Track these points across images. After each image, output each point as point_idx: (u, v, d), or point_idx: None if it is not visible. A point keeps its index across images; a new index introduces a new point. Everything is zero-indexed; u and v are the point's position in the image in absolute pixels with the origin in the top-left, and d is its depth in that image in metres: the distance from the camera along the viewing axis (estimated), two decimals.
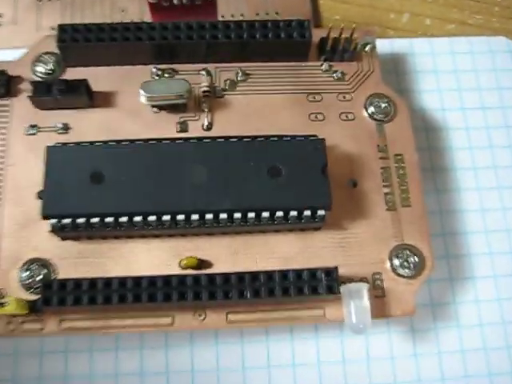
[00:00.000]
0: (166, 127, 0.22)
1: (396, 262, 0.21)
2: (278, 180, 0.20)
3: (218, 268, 0.21)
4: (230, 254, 0.21)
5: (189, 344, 0.22)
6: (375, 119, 0.23)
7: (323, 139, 0.21)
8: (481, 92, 0.26)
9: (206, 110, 0.22)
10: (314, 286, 0.20)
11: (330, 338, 0.22)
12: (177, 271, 0.21)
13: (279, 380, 0.22)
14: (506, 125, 0.26)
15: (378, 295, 0.21)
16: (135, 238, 0.21)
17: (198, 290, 0.19)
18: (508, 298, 0.23)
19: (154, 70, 0.23)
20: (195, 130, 0.22)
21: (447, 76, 0.26)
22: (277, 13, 0.26)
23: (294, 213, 0.20)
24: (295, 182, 0.20)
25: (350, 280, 0.21)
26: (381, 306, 0.21)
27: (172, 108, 0.22)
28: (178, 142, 0.21)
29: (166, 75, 0.23)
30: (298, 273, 0.20)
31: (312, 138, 0.21)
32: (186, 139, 0.21)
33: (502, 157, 0.25)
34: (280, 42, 0.22)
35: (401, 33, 0.28)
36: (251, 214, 0.20)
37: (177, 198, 0.20)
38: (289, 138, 0.21)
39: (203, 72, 0.23)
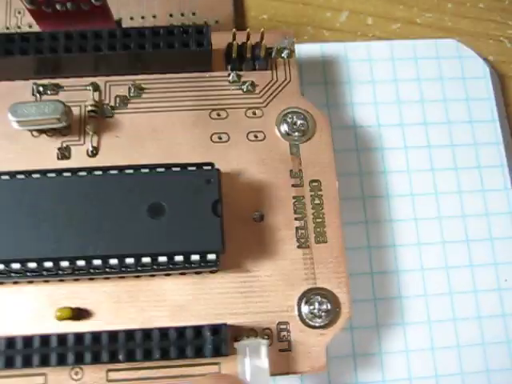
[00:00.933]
0: (45, 153, 0.19)
1: (305, 309, 0.18)
2: (160, 220, 0.17)
3: (99, 319, 0.18)
4: (113, 302, 0.18)
5: None
6: (289, 139, 0.20)
7: (217, 170, 0.18)
8: (423, 105, 0.22)
9: (91, 132, 0.19)
10: (198, 347, 0.17)
11: None
12: (53, 323, 0.18)
13: None
14: (452, 143, 0.22)
15: (284, 349, 0.18)
16: (7, 285, 0.18)
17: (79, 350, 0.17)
18: (441, 347, 0.20)
19: (34, 86, 0.20)
20: (79, 156, 0.19)
21: (386, 86, 0.23)
22: (193, 13, 0.23)
23: (179, 258, 0.17)
24: (180, 222, 0.17)
25: (252, 332, 0.18)
26: (286, 362, 0.18)
27: (53, 131, 0.19)
28: (48, 175, 0.18)
29: (49, 92, 0.20)
30: (180, 331, 0.17)
31: (206, 167, 0.18)
32: (63, 170, 0.18)
33: (444, 182, 0.22)
34: (175, 52, 0.19)
35: (338, 34, 0.24)
36: (129, 260, 0.17)
37: (44, 241, 0.17)
38: (178, 169, 0.18)
39: (90, 87, 0.20)
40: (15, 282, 0.18)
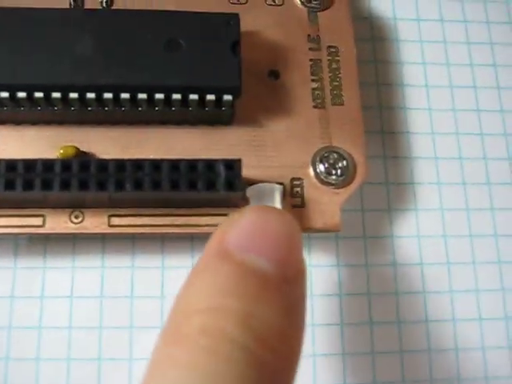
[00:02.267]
0: (56, 1, 0.19)
1: (320, 166, 0.18)
2: (176, 55, 0.17)
3: None
4: (119, 148, 0.17)
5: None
6: (307, 6, 0.19)
7: (237, 14, 0.18)
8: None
9: None
10: (210, 181, 0.16)
11: None
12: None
13: None
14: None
15: (297, 205, 0.17)
16: (5, 125, 0.17)
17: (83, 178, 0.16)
18: (451, 208, 0.20)
19: None
20: (92, 5, 0.19)
21: None
22: None
23: (194, 96, 0.17)
24: (197, 58, 0.17)
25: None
26: (299, 218, 0.17)
27: None
28: (60, 10, 0.17)
29: None
30: (192, 164, 0.16)
31: (227, 13, 0.18)
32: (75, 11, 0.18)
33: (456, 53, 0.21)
34: None
35: None
36: (142, 95, 0.17)
37: (54, 70, 0.16)
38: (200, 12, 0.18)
39: None
40: (18, 123, 0.17)
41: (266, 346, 0.12)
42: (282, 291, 0.13)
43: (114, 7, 0.19)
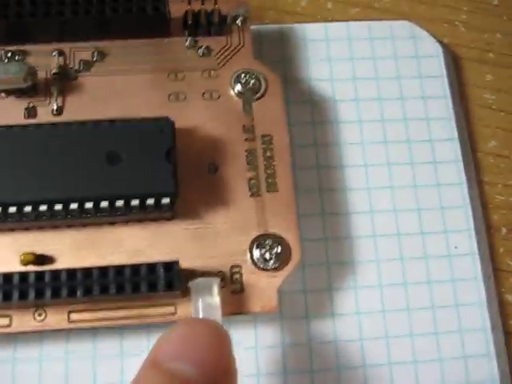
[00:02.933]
0: (12, 113, 0.20)
1: (257, 253, 0.19)
2: (117, 167, 0.19)
3: (60, 264, 0.19)
4: (74, 249, 0.19)
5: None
6: (242, 98, 0.21)
7: (170, 120, 0.19)
8: (378, 81, 0.24)
9: (56, 93, 0.21)
10: (151, 283, 0.18)
11: None
12: (18, 268, 0.19)
13: None
14: (405, 118, 0.23)
15: (236, 290, 0.19)
16: None
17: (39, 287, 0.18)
18: (388, 284, 0.21)
19: (2, 52, 0.21)
20: (45, 115, 0.20)
21: (342, 64, 0.24)
22: None
23: (135, 202, 0.19)
24: (136, 168, 0.19)
25: (206, 274, 0.19)
26: (238, 303, 0.19)
27: (20, 92, 0.21)
28: (9, 128, 0.19)
29: (16, 57, 0.21)
30: (135, 268, 0.18)
31: (160, 119, 0.19)
32: (28, 125, 0.19)
33: (396, 155, 0.23)
34: (133, 17, 0.21)
35: (299, 17, 0.25)
36: (88, 205, 0.18)
37: (7, 187, 0.18)
38: (136, 121, 0.19)
39: (55, 53, 0.21)
40: None
41: None
42: None
43: (63, 115, 0.21)
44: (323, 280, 0.21)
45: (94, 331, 0.20)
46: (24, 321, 0.19)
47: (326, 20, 0.25)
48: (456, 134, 0.23)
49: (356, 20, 0.25)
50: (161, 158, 0.19)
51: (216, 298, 0.18)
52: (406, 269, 0.21)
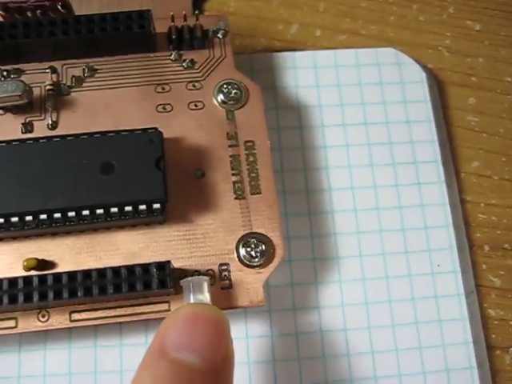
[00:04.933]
0: (10, 129, 0.22)
1: (243, 251, 0.21)
2: (110, 176, 0.20)
3: (61, 268, 0.21)
4: (74, 254, 0.21)
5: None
6: (225, 106, 0.22)
7: (159, 131, 0.21)
8: (364, 107, 0.25)
9: (50, 108, 0.22)
10: (146, 282, 0.19)
11: None
12: (21, 274, 0.21)
13: None
14: (390, 141, 0.24)
15: (225, 287, 0.21)
16: None
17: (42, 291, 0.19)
18: (372, 278, 0.23)
19: None
20: (41, 129, 0.22)
21: (329, 90, 0.25)
22: None
23: (129, 208, 0.20)
24: (128, 177, 0.20)
25: (197, 273, 0.21)
26: (228, 298, 0.21)
27: (17, 109, 0.22)
28: (7, 144, 0.21)
29: (12, 76, 0.22)
30: (130, 269, 0.20)
31: (150, 130, 0.21)
32: (26, 139, 0.21)
33: (382, 177, 0.24)
34: (121, 35, 0.22)
35: (289, 44, 0.27)
36: (85, 212, 0.20)
37: (9, 199, 0.20)
38: (127, 133, 0.21)
39: (48, 70, 0.23)
40: None
41: None
42: (210, 379, 0.17)
43: (58, 129, 0.22)
44: (309, 274, 0.23)
45: (94, 328, 0.22)
46: (29, 322, 0.20)
47: (315, 46, 0.27)
48: (439, 156, 0.24)
49: (343, 47, 0.26)
50: (151, 166, 0.20)
51: (206, 295, 0.20)
52: (388, 266, 0.23)
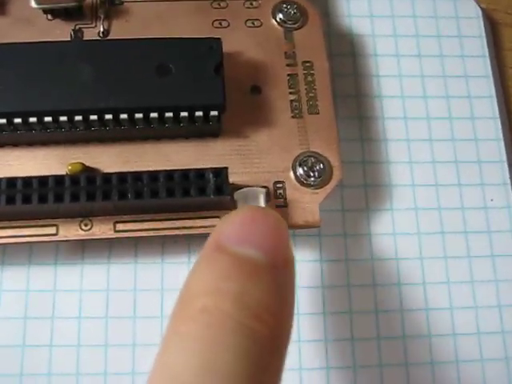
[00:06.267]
0: (59, 35, 0.21)
1: (300, 170, 0.20)
2: (167, 79, 0.19)
3: None
4: (120, 163, 0.20)
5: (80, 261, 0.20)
6: (283, 26, 0.22)
7: (219, 38, 0.20)
8: (418, 39, 0.24)
9: (102, 16, 0.21)
10: (201, 188, 0.18)
11: None
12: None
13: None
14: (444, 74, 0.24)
15: (280, 205, 0.20)
16: (20, 147, 0.20)
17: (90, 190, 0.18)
18: (424, 208, 0.22)
19: None
20: (91, 37, 0.21)
21: (384, 21, 0.24)
22: None
23: (184, 114, 0.19)
24: (185, 80, 0.19)
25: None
26: (283, 217, 0.19)
27: (67, 15, 0.21)
28: (62, 42, 0.20)
29: None
30: (185, 173, 0.18)
31: (210, 38, 0.20)
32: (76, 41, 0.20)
33: (436, 109, 0.23)
34: None
35: None
36: (138, 115, 0.19)
37: (60, 97, 0.19)
38: (186, 38, 0.20)
39: None
40: (31, 144, 0.20)
41: (259, 320, 0.15)
42: (272, 274, 0.16)
43: (110, 36, 0.21)
44: (361, 201, 0.22)
45: (135, 244, 0.20)
46: (70, 230, 0.19)
47: None
48: (494, 92, 0.24)
49: None
50: (210, 72, 0.19)
51: (263, 207, 0.19)
52: (441, 197, 0.22)
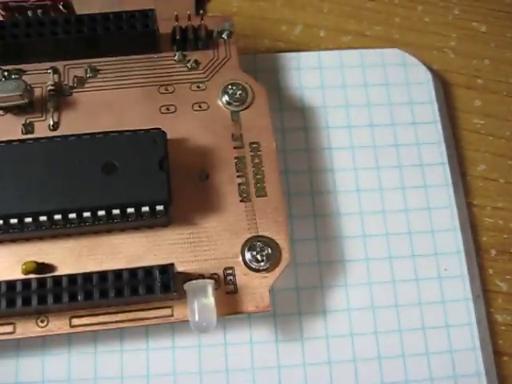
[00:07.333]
0: (11, 129, 0.21)
1: (248, 255, 0.20)
2: (112, 177, 0.20)
3: (61, 272, 0.20)
4: (74, 257, 0.20)
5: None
6: (230, 108, 0.22)
7: (162, 131, 0.20)
8: (370, 108, 0.24)
9: (52, 109, 0.22)
10: (148, 285, 0.19)
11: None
12: (20, 277, 0.20)
13: None
14: (396, 143, 0.24)
15: (230, 291, 0.20)
16: None
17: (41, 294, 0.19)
18: (378, 282, 0.22)
19: (0, 71, 0.22)
20: (41, 130, 0.21)
21: (335, 92, 0.25)
22: None
23: (131, 210, 0.19)
24: (131, 177, 0.20)
25: (201, 277, 0.20)
26: (233, 303, 0.20)
27: (17, 109, 0.22)
28: (9, 143, 0.20)
29: (13, 76, 0.22)
30: (133, 272, 0.19)
31: (154, 130, 0.20)
32: (27, 139, 0.20)
33: (388, 179, 0.24)
34: (124, 34, 0.22)
35: (293, 45, 0.26)
36: (86, 214, 0.19)
37: (10, 200, 0.19)
38: (129, 133, 0.20)
39: (50, 70, 0.22)
40: None
41: None
42: None
43: (60, 129, 0.21)
44: (315, 278, 0.22)
45: (94, 334, 0.21)
46: (27, 327, 0.20)
47: (319, 48, 0.26)
48: (446, 159, 0.24)
49: (348, 48, 0.26)
50: (154, 167, 0.20)
51: (211, 299, 0.19)
52: (395, 270, 0.22)
